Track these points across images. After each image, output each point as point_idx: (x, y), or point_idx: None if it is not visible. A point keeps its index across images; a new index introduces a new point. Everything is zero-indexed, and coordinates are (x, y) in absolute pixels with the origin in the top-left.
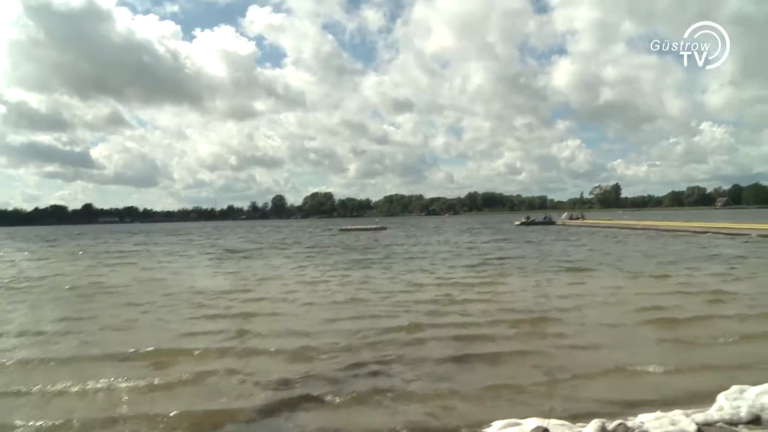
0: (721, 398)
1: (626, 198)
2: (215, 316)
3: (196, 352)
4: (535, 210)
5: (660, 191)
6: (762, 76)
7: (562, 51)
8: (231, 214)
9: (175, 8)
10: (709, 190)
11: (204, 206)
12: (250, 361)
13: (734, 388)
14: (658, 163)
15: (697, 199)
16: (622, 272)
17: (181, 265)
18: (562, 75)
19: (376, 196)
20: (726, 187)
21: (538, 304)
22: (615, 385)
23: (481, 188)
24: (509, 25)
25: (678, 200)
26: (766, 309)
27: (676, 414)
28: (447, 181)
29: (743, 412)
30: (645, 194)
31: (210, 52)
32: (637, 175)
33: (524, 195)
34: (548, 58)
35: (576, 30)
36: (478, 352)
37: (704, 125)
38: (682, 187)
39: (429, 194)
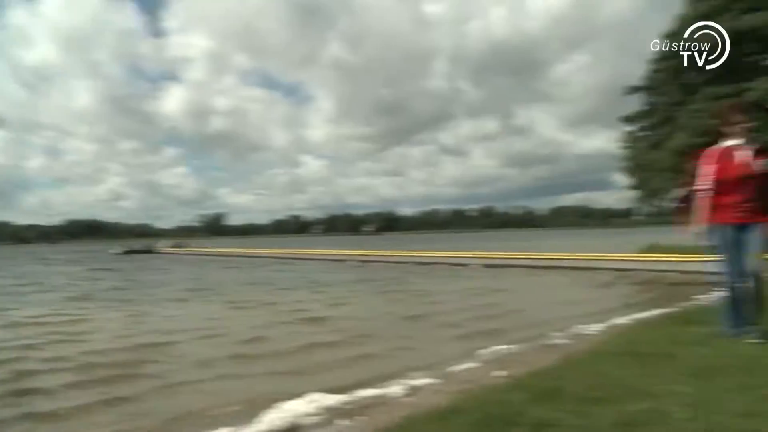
0: (265, 414)
1: (232, 225)
2: None
3: None
4: (140, 237)
5: (263, 219)
6: (355, 116)
7: (174, 77)
8: None
9: None
10: (309, 218)
11: None
12: None
13: (280, 404)
14: (263, 192)
15: (297, 226)
16: (223, 301)
17: None
18: (173, 101)
19: None
20: (322, 216)
21: (129, 341)
22: (191, 428)
23: (82, 215)
24: (120, 44)
25: (280, 228)
26: (359, 332)
27: None
28: (43, 207)
29: (281, 423)
30: (250, 222)
31: None
32: (244, 203)
33: (129, 222)
34: (160, 83)
35: (190, 58)
36: (42, 410)
37: (306, 158)
38: (284, 215)
39: (22, 221)
